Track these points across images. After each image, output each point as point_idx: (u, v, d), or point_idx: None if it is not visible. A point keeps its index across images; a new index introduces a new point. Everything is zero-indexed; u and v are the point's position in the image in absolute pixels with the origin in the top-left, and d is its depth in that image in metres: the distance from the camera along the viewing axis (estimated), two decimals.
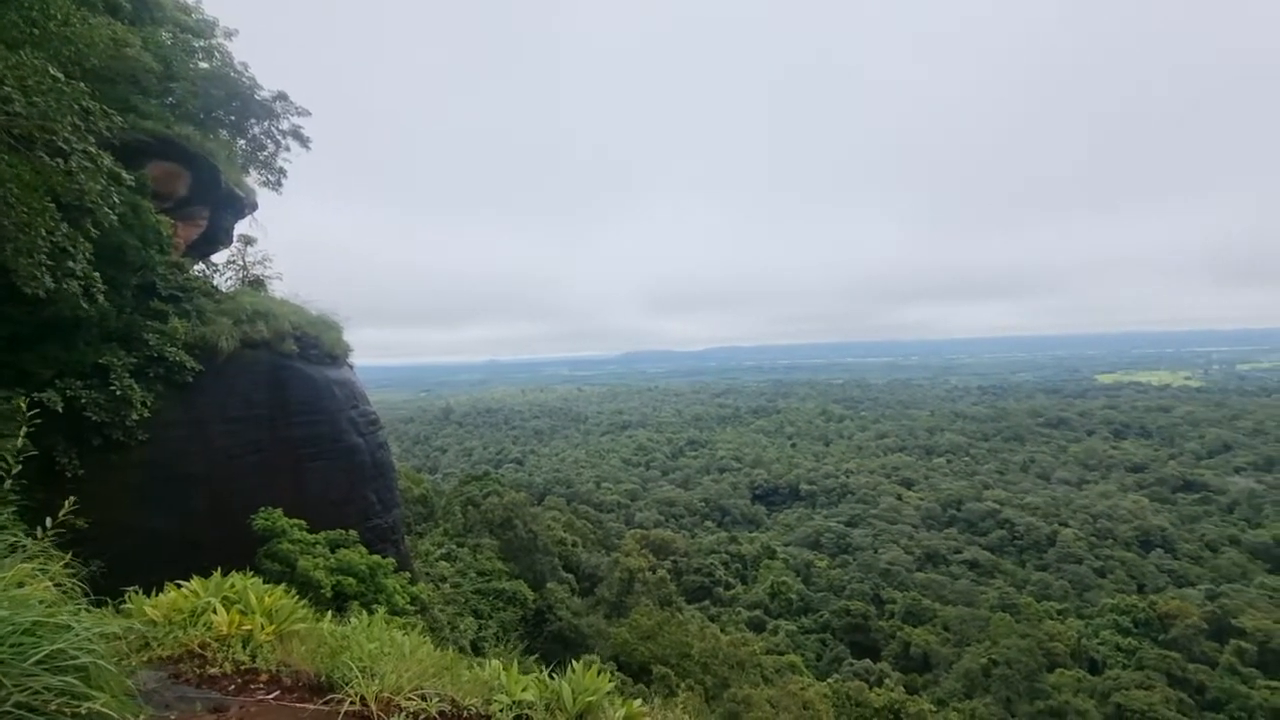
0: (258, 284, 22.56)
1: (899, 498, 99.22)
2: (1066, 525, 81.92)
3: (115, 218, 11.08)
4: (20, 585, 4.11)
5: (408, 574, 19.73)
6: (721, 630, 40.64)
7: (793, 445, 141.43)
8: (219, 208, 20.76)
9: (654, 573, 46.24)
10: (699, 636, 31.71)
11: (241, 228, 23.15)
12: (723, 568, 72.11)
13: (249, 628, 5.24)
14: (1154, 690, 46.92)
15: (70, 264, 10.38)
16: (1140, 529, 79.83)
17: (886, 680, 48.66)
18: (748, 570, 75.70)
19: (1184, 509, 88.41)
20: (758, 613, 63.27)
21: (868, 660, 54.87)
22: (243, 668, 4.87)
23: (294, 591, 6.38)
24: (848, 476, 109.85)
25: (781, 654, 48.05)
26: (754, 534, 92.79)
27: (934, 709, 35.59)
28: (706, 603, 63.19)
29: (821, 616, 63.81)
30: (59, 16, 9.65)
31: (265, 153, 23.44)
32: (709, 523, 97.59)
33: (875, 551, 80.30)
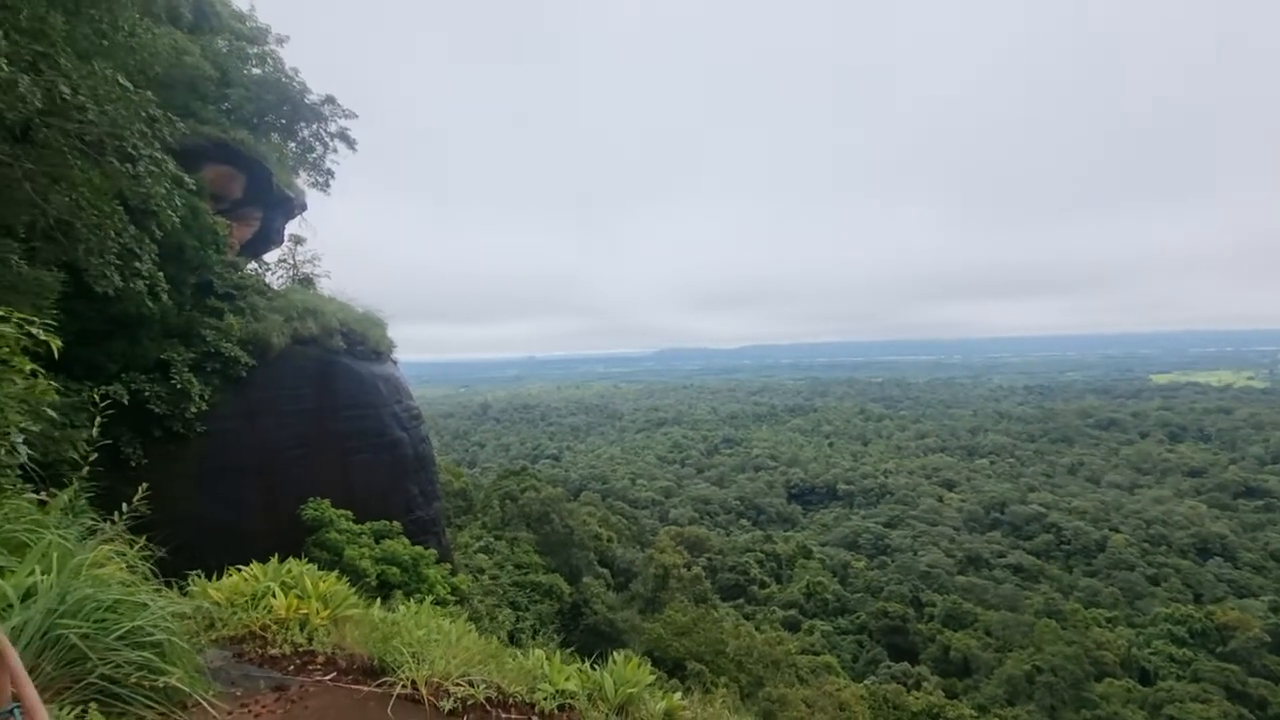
0: (307, 282, 23.36)
1: (940, 499, 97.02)
2: (1117, 530, 78.90)
3: (177, 220, 11.61)
4: (100, 566, 4.41)
5: (448, 565, 20.20)
6: (756, 629, 40.39)
7: (830, 444, 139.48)
8: (271, 209, 21.58)
9: (689, 570, 46.25)
10: (733, 634, 31.62)
11: (291, 228, 24.02)
12: (758, 566, 71.67)
13: (305, 611, 5.49)
14: (1211, 704, 44.90)
15: (137, 264, 10.92)
16: (1197, 536, 76.38)
17: (925, 684, 47.70)
18: (783, 569, 75.06)
19: (1245, 516, 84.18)
20: (793, 612, 62.71)
21: (906, 663, 53.89)
22: (300, 649, 5.11)
23: (343, 579, 6.65)
24: (886, 477, 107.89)
25: (817, 654, 47.54)
26: (789, 533, 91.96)
27: (974, 714, 34.79)
28: (741, 601, 62.91)
29: (858, 618, 62.91)
30: (126, 28, 10.16)
31: (314, 154, 24.20)
32: (744, 521, 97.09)
33: (915, 553, 78.71)
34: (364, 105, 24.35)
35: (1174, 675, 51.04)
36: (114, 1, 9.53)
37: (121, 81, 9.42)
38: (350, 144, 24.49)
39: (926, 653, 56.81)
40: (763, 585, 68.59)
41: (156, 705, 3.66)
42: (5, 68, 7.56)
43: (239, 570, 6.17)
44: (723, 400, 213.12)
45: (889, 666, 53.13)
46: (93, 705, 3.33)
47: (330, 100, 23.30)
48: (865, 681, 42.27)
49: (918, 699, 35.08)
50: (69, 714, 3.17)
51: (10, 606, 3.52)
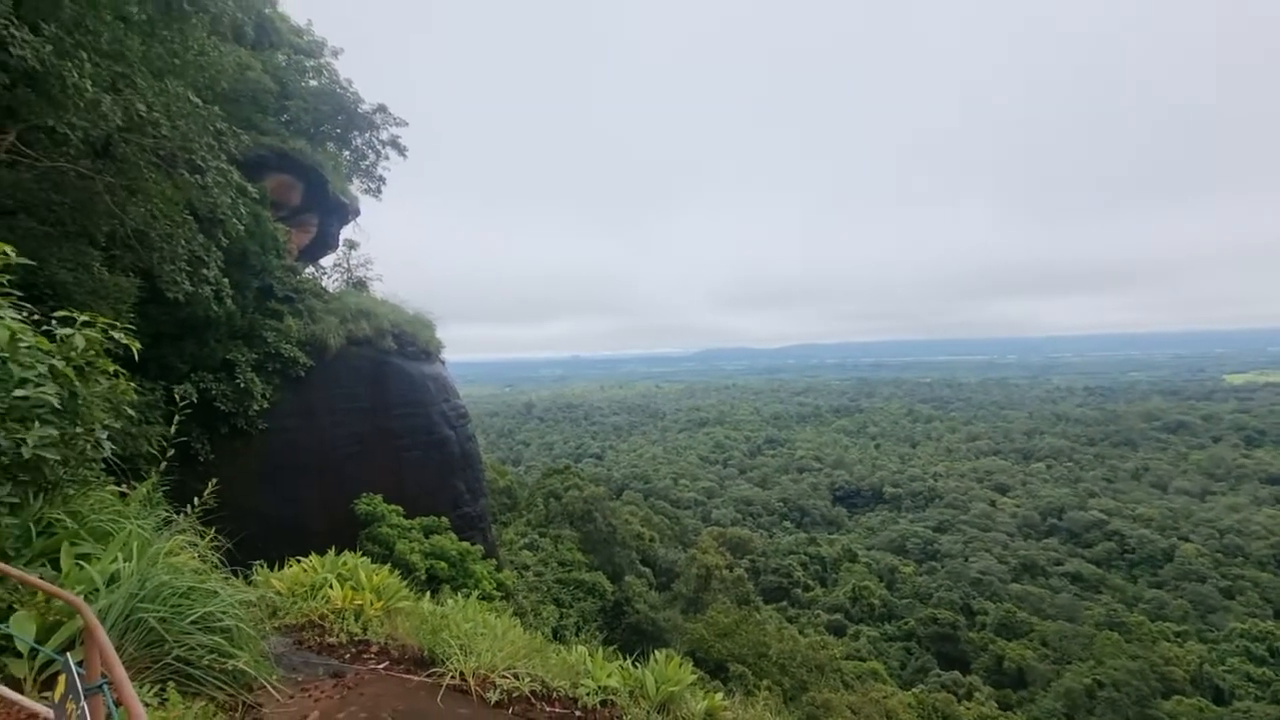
0: (360, 285, 24.20)
1: (992, 504, 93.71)
2: (1187, 540, 74.73)
3: (241, 227, 12.24)
4: (175, 555, 4.71)
5: (494, 561, 20.64)
6: (800, 632, 39.87)
7: (876, 446, 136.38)
8: (327, 215, 22.46)
9: (731, 571, 45.92)
10: (776, 637, 31.27)
11: (346, 233, 24.91)
12: (801, 569, 70.64)
13: (360, 603, 5.74)
14: None
15: (204, 270, 11.56)
16: (1278, 547, 71.61)
17: (977, 694, 46.22)
18: (827, 573, 73.79)
19: None
20: (838, 616, 61.62)
21: (956, 672, 52.27)
22: (356, 638, 5.36)
23: (395, 572, 6.91)
24: (936, 480, 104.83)
25: (863, 660, 46.54)
26: (834, 536, 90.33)
27: None
28: (784, 603, 62.13)
29: (906, 624, 61.33)
30: (195, 47, 10.77)
31: (366, 162, 25.05)
32: (787, 523, 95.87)
33: (965, 559, 76.25)
34: (400, 104, 25.10)
35: (1252, 695, 48.02)
36: (185, 23, 10.10)
37: (191, 98, 10.00)
38: (401, 151, 25.24)
39: (978, 662, 55.00)
40: (807, 588, 67.58)
41: (226, 686, 3.91)
42: (90, 89, 8.12)
43: (299, 562, 6.49)
44: (766, 400, 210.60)
45: (939, 675, 51.66)
46: (170, 684, 3.58)
47: (382, 109, 24.07)
48: (914, 689, 41.22)
49: (969, 710, 34.07)
50: (150, 691, 3.42)
51: (97, 590, 3.81)
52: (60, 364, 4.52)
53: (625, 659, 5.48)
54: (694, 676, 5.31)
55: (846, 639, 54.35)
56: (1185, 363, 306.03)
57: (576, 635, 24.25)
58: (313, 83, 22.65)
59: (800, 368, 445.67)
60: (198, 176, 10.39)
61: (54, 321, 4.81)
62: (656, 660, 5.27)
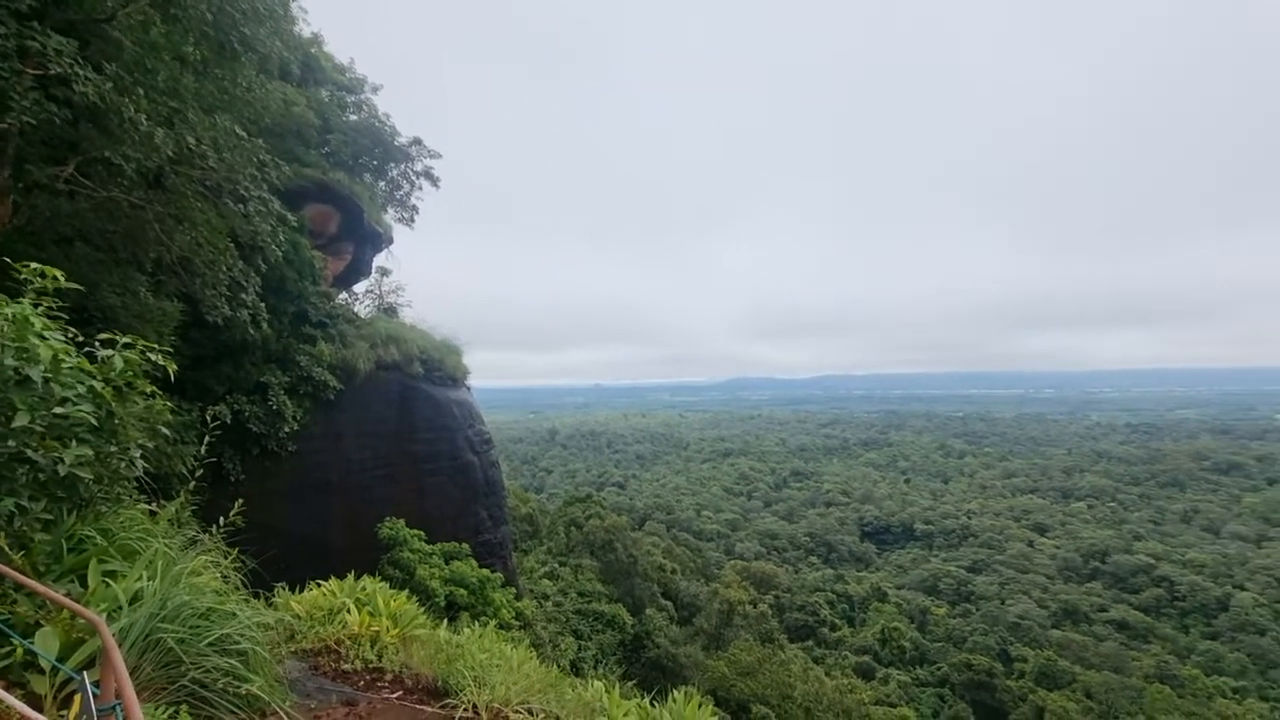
0: (391, 311, 24.74)
1: (1030, 544, 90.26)
2: (1243, 588, 70.74)
3: (280, 254, 12.66)
4: (198, 575, 4.76)
5: (513, 589, 20.46)
6: (826, 674, 38.48)
7: (907, 481, 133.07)
8: (362, 243, 23.12)
9: (755, 607, 44.80)
10: (801, 678, 30.23)
11: (379, 260, 25.57)
12: (828, 607, 68.59)
13: (377, 629, 5.71)
14: None
15: (243, 295, 11.95)
16: None
17: None
18: (855, 612, 71.54)
19: None
20: (866, 658, 59.47)
21: None
22: (370, 666, 5.31)
23: (413, 598, 6.88)
24: (969, 518, 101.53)
25: (893, 705, 44.63)
26: (863, 573, 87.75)
27: None
28: (810, 643, 60.22)
29: (939, 669, 58.89)
30: (245, 84, 11.29)
31: (401, 192, 25.84)
32: (813, 558, 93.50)
33: (1002, 602, 73.27)
34: (425, 131, 25.95)
35: None
36: (236, 62, 10.61)
37: (238, 132, 10.45)
38: (434, 182, 25.99)
39: (1017, 713, 52.29)
40: (834, 628, 65.49)
41: (239, 711, 3.88)
42: (144, 123, 8.55)
43: (319, 584, 6.51)
44: (792, 432, 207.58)
45: None
46: (183, 707, 3.57)
47: (417, 142, 24.89)
48: None
49: None
50: (163, 714, 3.41)
51: (120, 609, 3.85)
52: (99, 384, 4.67)
53: (644, 696, 5.34)
54: (715, 717, 5.13)
55: (875, 682, 52.33)
56: (1235, 400, 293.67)
57: (595, 669, 23.81)
58: (353, 117, 23.57)
59: (827, 399, 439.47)
60: (241, 205, 10.81)
61: (97, 344, 4.98)
62: (675, 699, 5.12)
